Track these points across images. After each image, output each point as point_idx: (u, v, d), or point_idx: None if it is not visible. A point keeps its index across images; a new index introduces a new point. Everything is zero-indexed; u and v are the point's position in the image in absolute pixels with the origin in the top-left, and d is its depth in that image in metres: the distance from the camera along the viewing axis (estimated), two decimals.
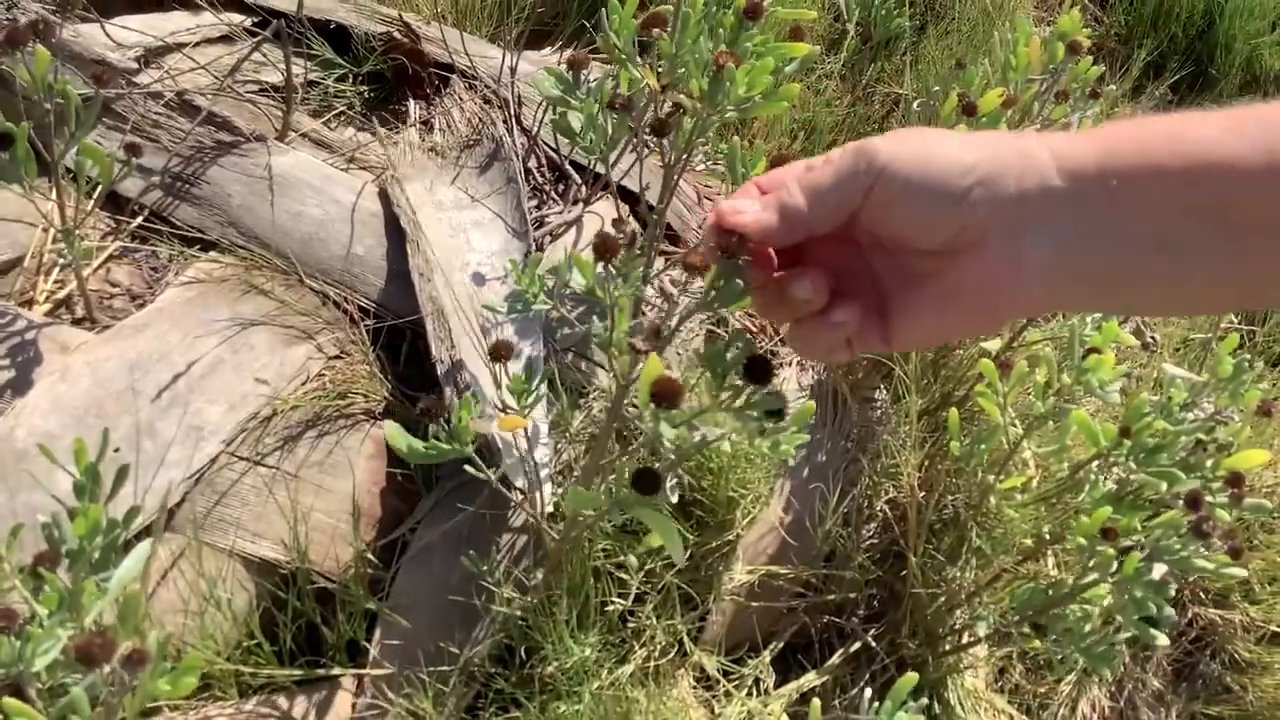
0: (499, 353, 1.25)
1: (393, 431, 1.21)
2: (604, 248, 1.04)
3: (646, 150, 1.46)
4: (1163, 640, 1.38)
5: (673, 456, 1.04)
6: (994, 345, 1.66)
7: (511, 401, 1.28)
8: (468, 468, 1.22)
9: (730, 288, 0.66)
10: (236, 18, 1.82)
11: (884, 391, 1.86)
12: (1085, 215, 0.53)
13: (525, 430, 1.35)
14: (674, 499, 1.29)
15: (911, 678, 1.16)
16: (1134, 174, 0.52)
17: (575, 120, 1.38)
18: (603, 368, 1.64)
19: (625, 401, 1.20)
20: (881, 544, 1.75)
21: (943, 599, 1.62)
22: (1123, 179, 0.52)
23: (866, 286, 0.61)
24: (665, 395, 0.78)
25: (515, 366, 1.53)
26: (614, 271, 1.04)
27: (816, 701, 1.19)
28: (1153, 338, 1.74)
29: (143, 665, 0.84)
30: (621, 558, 1.42)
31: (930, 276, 0.58)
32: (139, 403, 1.38)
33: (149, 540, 1.12)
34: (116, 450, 1.35)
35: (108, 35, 1.65)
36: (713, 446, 1.49)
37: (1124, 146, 0.53)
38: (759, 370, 0.68)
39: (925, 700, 1.67)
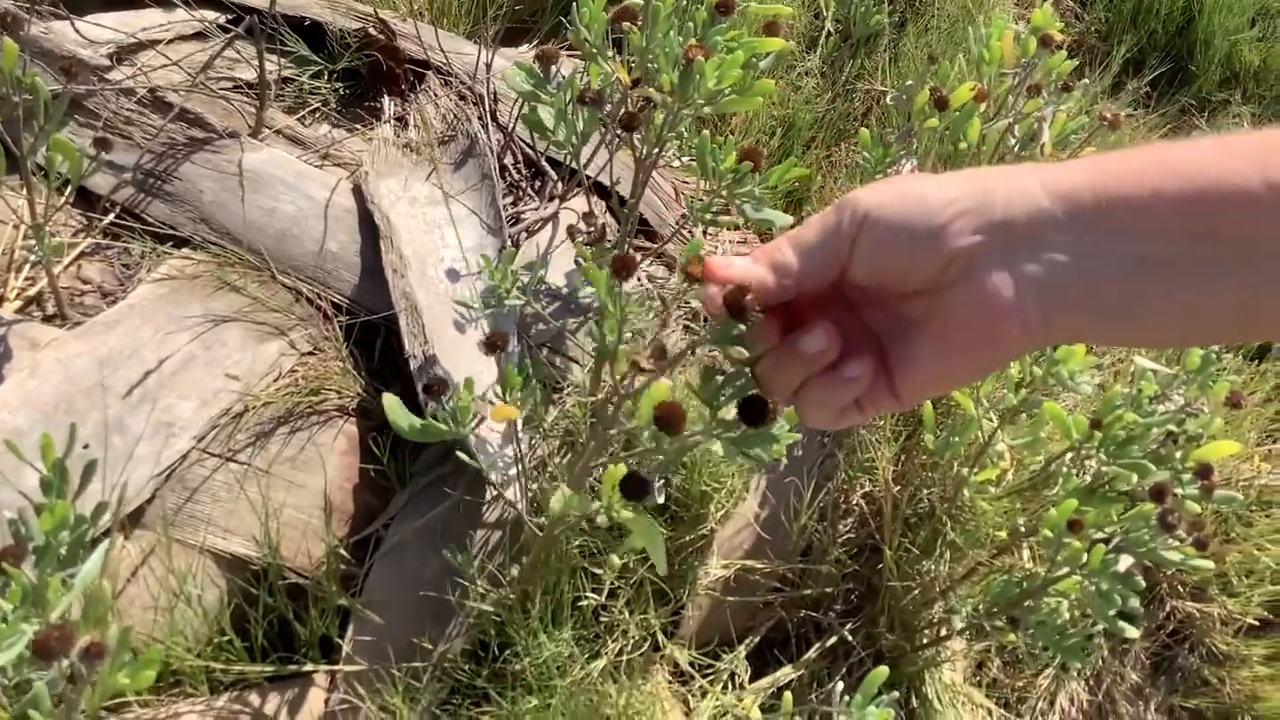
0: (494, 343, 1.25)
1: (392, 405, 1.20)
2: (621, 266, 1.03)
3: (617, 145, 1.46)
4: (1132, 632, 1.38)
5: (660, 458, 1.04)
6: None
7: (500, 394, 1.28)
8: (460, 454, 1.22)
9: (728, 331, 0.64)
10: (210, 14, 1.81)
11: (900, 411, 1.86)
12: (1077, 237, 0.52)
13: (517, 420, 1.35)
14: (660, 500, 1.29)
15: (882, 672, 1.16)
16: (1128, 196, 0.51)
17: (546, 115, 1.38)
18: (577, 363, 1.64)
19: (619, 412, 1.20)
20: (858, 539, 1.75)
21: (918, 593, 1.62)
22: (1116, 200, 0.51)
23: (867, 344, 0.59)
24: (669, 422, 0.78)
25: (481, 367, 1.53)
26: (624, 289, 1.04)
27: (788, 695, 1.20)
28: None
29: (100, 659, 0.84)
30: (597, 554, 1.42)
31: (925, 320, 0.56)
32: (109, 399, 1.37)
33: (115, 536, 1.12)
34: (86, 447, 1.35)
35: (78, 32, 1.64)
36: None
37: (1117, 170, 0.52)
38: (755, 413, 0.66)
39: (902, 694, 1.67)
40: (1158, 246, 0.50)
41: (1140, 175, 0.51)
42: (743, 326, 0.59)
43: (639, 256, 1.78)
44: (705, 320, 0.67)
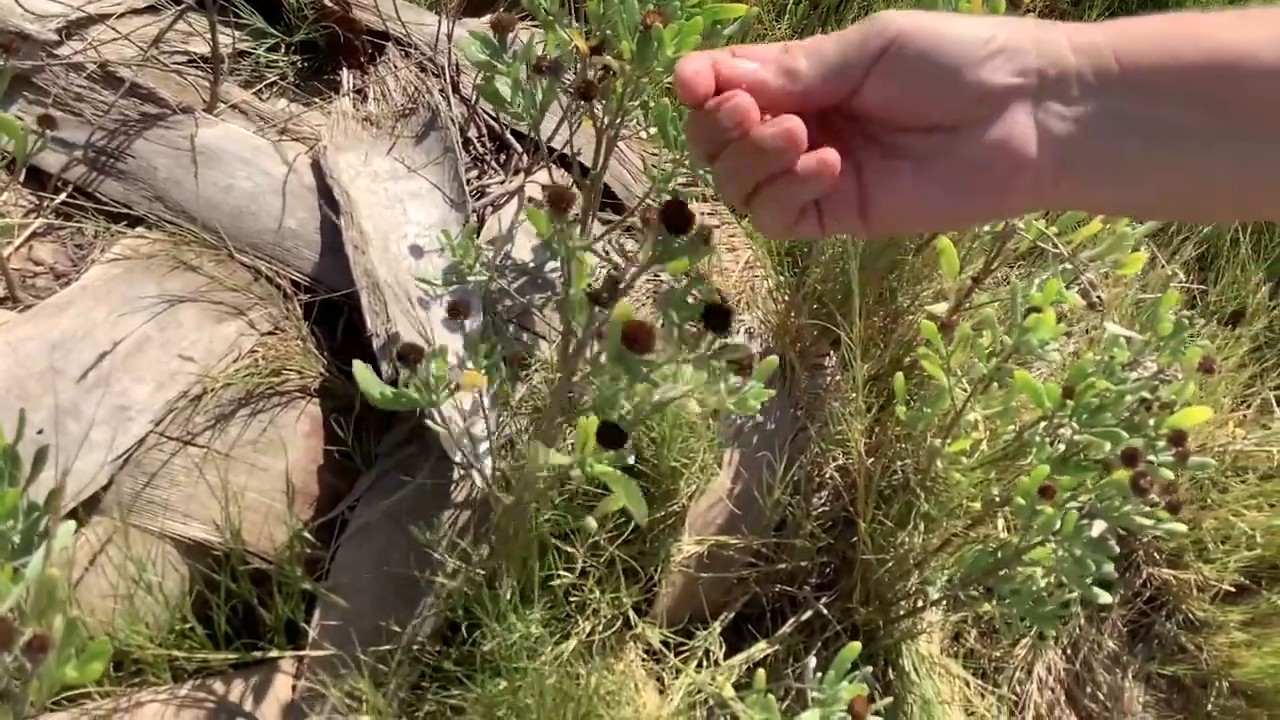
0: (457, 310, 1.22)
1: (363, 374, 1.17)
2: (558, 201, 1.00)
3: (578, 115, 1.42)
4: (1106, 598, 1.37)
5: (628, 415, 1.02)
6: (939, 308, 1.65)
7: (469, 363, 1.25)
8: (429, 422, 1.19)
9: (674, 247, 0.61)
10: None
11: (833, 358, 1.84)
12: (1099, 96, 0.51)
13: (479, 394, 1.32)
14: (631, 459, 1.26)
15: (854, 647, 1.14)
16: (1146, 58, 0.50)
17: (503, 86, 1.34)
18: (544, 339, 1.61)
19: (583, 361, 1.17)
20: (832, 512, 1.74)
21: (893, 565, 1.61)
22: (1136, 63, 0.50)
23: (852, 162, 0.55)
24: (638, 338, 0.74)
25: (456, 340, 1.50)
26: (567, 226, 1.01)
27: (761, 672, 1.18)
28: (1099, 297, 1.71)
29: (45, 652, 0.81)
30: (569, 533, 1.39)
31: (929, 155, 0.53)
32: (62, 383, 1.34)
33: (69, 523, 1.08)
34: (40, 432, 1.31)
35: (24, 7, 1.59)
36: (672, 409, 1.47)
37: (1137, 32, 0.51)
38: (719, 317, 0.64)
39: (879, 666, 1.66)
40: (1171, 112, 0.50)
41: (1159, 40, 0.51)
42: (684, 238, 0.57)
43: (601, 227, 1.75)
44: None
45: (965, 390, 1.51)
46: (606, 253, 1.61)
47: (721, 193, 0.57)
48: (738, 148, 0.53)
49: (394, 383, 1.19)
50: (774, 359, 1.13)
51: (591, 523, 1.31)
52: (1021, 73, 0.51)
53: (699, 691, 1.44)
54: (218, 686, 1.32)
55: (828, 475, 1.73)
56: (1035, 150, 0.51)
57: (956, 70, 0.51)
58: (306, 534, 1.42)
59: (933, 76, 0.52)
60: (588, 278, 1.03)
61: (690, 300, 0.69)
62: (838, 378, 1.81)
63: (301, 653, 1.35)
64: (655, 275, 1.60)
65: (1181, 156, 0.51)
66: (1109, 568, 1.35)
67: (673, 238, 0.69)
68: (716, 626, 1.56)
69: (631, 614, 1.44)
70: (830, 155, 0.52)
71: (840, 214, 0.55)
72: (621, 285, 0.76)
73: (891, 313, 1.81)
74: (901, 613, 1.66)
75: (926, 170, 0.54)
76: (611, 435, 0.90)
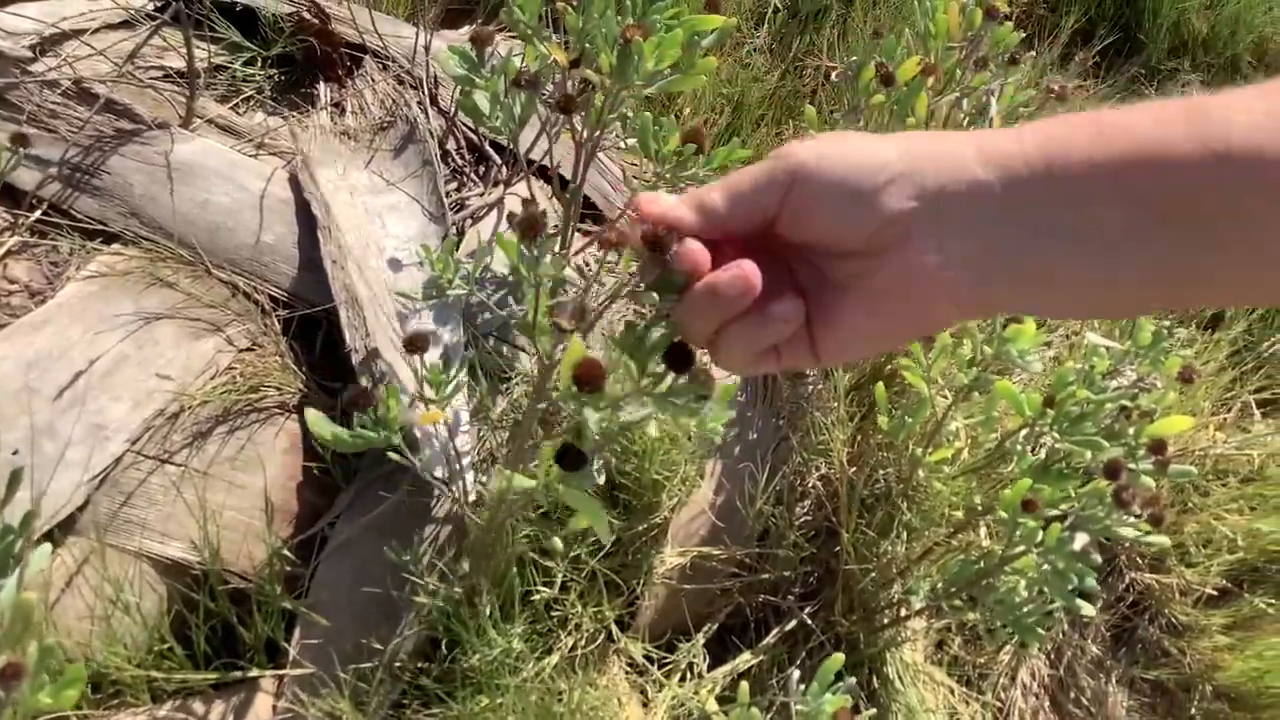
0: (415, 344, 1.21)
1: (315, 419, 1.16)
2: (528, 226, 1.01)
3: (557, 128, 1.42)
4: (1089, 610, 1.38)
5: (598, 438, 1.02)
6: None
7: (430, 393, 1.24)
8: (392, 454, 1.18)
9: (651, 273, 0.61)
10: (137, 1, 1.76)
11: (815, 369, 1.84)
12: (1008, 206, 0.51)
13: (445, 420, 1.31)
14: (600, 480, 1.26)
15: (838, 659, 1.14)
16: (1061, 164, 0.50)
17: (482, 100, 1.34)
18: (525, 352, 1.61)
19: (549, 385, 1.17)
20: (815, 521, 1.74)
21: (876, 574, 1.61)
22: (1048, 168, 0.50)
23: (791, 296, 0.57)
24: (588, 379, 0.74)
25: (434, 354, 1.50)
26: (537, 252, 1.01)
27: (745, 685, 1.17)
28: None
29: (18, 679, 0.80)
30: (545, 543, 1.39)
31: (855, 280, 0.55)
32: (37, 403, 1.32)
33: (45, 546, 1.07)
34: (15, 453, 1.30)
35: None
36: (637, 429, 1.46)
37: (1051, 135, 0.51)
38: (680, 358, 0.64)
39: (864, 675, 1.66)
40: (1090, 210, 0.50)
41: (1071, 141, 0.50)
42: (667, 270, 0.57)
43: (580, 239, 1.74)
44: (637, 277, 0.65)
45: (946, 399, 1.51)
46: (584, 266, 1.61)
47: (683, 333, 0.60)
48: (694, 294, 0.56)
49: (368, 399, 1.18)
50: (733, 385, 1.13)
51: (558, 542, 1.30)
52: (919, 196, 0.52)
53: (683, 705, 1.43)
54: (197, 707, 1.31)
55: (810, 485, 1.73)
56: (945, 270, 0.52)
57: (855, 198, 0.52)
58: (286, 551, 1.41)
59: (835, 206, 0.53)
60: (552, 299, 1.03)
61: (650, 341, 0.68)
62: (819, 387, 1.81)
63: (282, 672, 1.34)
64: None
65: (1100, 255, 0.50)
66: (1091, 580, 1.35)
67: (674, 373, 0.70)
68: (700, 638, 1.56)
69: (614, 628, 1.43)
70: (791, 303, 0.55)
71: (795, 348, 0.57)
72: (589, 315, 0.76)
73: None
74: (885, 621, 1.66)
75: (852, 295, 0.55)
76: (572, 458, 0.91)
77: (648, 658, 1.49)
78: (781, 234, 0.56)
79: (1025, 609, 1.43)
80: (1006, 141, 0.51)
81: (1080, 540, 1.36)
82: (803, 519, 1.71)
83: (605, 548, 1.44)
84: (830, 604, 1.68)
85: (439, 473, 1.37)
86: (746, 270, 0.53)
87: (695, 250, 0.55)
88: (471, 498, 1.38)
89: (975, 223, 0.51)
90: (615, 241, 0.63)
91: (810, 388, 1.81)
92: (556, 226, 1.48)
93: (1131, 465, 1.35)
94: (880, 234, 0.52)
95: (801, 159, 0.53)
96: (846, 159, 0.53)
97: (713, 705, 1.39)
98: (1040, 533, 1.35)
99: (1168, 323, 1.39)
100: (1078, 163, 0.49)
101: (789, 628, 1.65)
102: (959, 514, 1.64)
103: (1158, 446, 1.34)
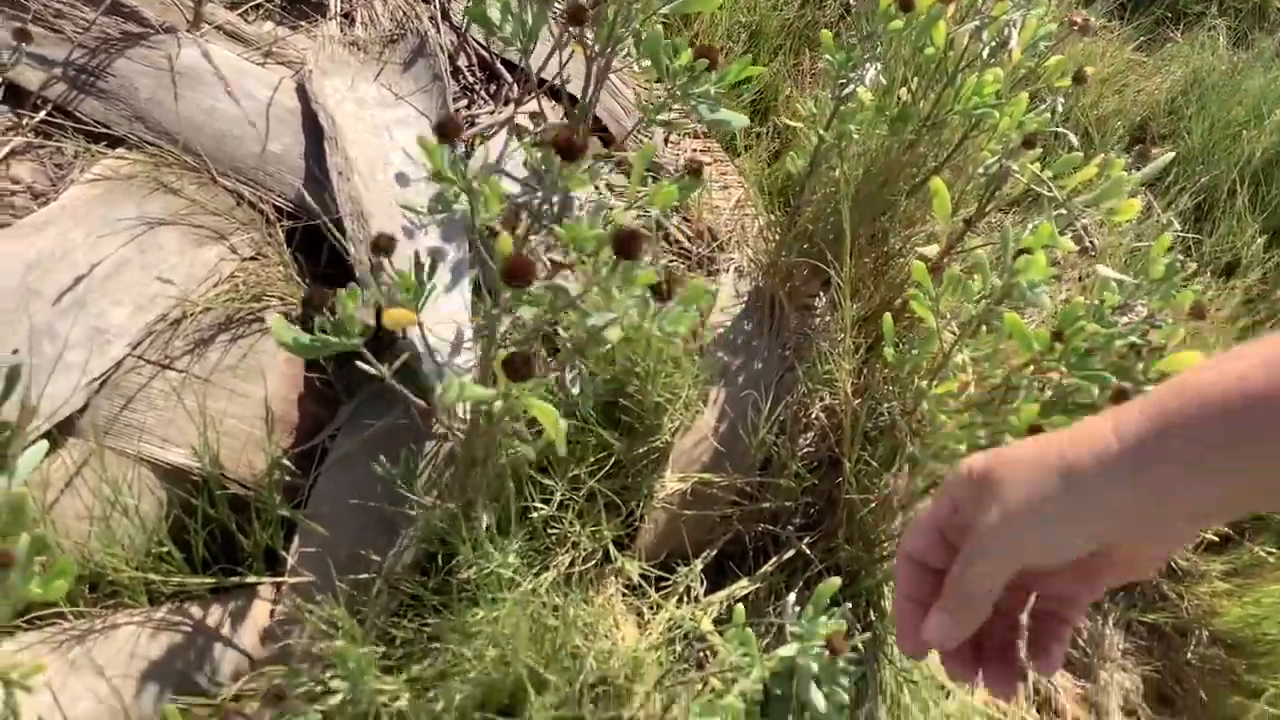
0: (380, 245, 1.19)
1: (277, 325, 1.14)
2: (447, 129, 1.02)
3: (568, 42, 1.39)
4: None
5: (569, 346, 1.01)
6: (931, 250, 1.63)
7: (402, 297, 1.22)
8: (359, 364, 1.16)
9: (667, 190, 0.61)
10: None
11: (822, 299, 1.82)
12: (1167, 474, 0.55)
13: (423, 328, 1.29)
14: (575, 391, 1.25)
15: (834, 583, 1.13)
16: (1187, 423, 0.54)
17: (494, 10, 1.31)
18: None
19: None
20: (817, 453, 1.73)
21: (877, 505, 1.60)
22: (1176, 432, 0.55)
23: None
24: (515, 273, 0.76)
25: (444, 273, 1.48)
26: (459, 154, 1.01)
27: (740, 607, 1.17)
28: (1092, 243, 1.68)
29: (8, 567, 0.80)
30: (548, 466, 1.38)
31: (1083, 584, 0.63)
32: (37, 304, 1.32)
33: (42, 443, 1.07)
34: (15, 352, 1.30)
35: None
36: (638, 349, 1.45)
37: (1165, 405, 0.55)
38: (627, 245, 0.64)
39: (861, 607, 1.66)
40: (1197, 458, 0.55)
41: (1192, 402, 0.55)
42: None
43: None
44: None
45: (954, 333, 1.49)
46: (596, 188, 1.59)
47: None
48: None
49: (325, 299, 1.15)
50: (700, 282, 1.10)
51: (529, 451, 1.28)
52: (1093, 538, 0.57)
53: (678, 626, 1.43)
54: (194, 610, 1.32)
55: (814, 416, 1.72)
56: (1157, 545, 0.62)
57: (1065, 556, 0.58)
58: (286, 461, 1.41)
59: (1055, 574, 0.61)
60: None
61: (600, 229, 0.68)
62: (827, 318, 1.79)
63: (279, 579, 1.35)
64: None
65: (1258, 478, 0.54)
66: None
67: (621, 259, 0.71)
68: (698, 564, 1.56)
69: (611, 548, 1.43)
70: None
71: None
72: (527, 219, 0.77)
73: (883, 254, 1.78)
74: (885, 553, 1.66)
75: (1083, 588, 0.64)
76: (516, 366, 0.92)
77: (645, 578, 1.49)
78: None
79: None
80: (1131, 417, 0.56)
81: None
82: (805, 450, 1.71)
83: (605, 468, 1.44)
84: (830, 534, 1.68)
85: (439, 390, 1.36)
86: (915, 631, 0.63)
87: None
88: (467, 416, 1.37)
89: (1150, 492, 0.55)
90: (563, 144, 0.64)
91: (817, 319, 1.80)
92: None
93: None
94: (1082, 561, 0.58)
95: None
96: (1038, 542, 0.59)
97: (708, 626, 1.39)
98: None
99: (1181, 257, 1.36)
100: (1196, 420, 0.54)
101: (787, 556, 1.65)
102: (962, 448, 1.63)
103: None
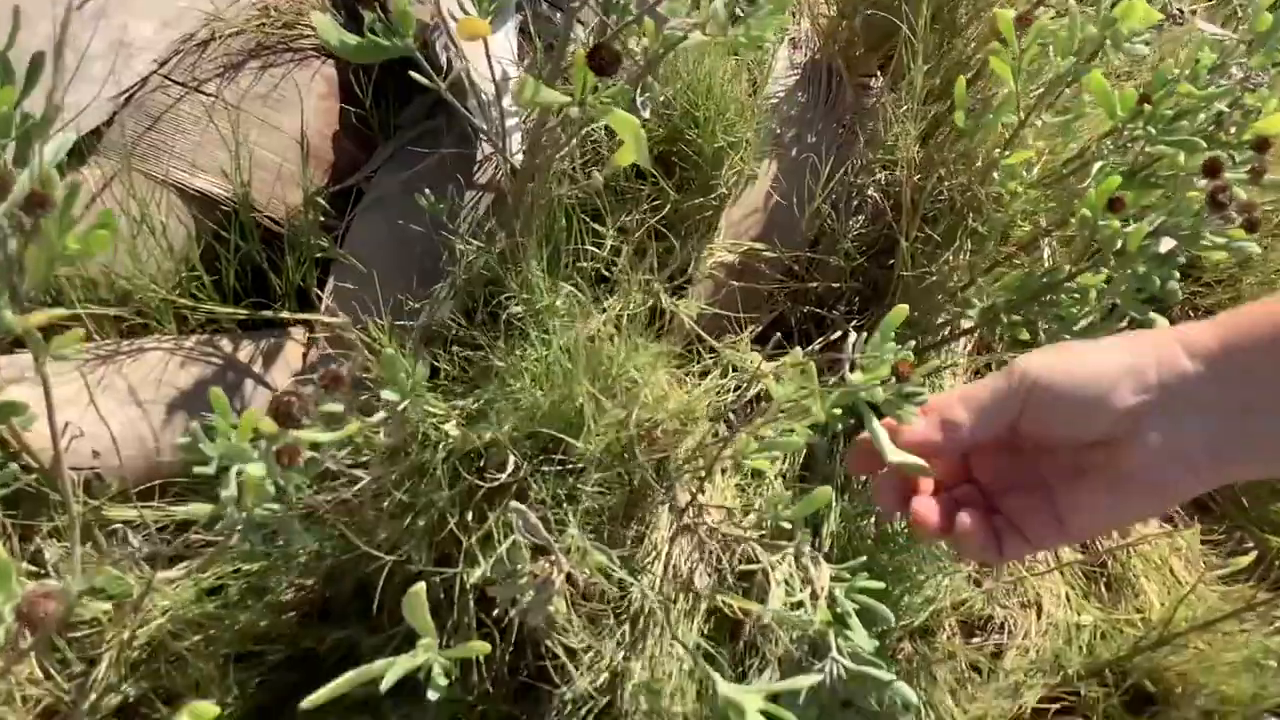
0: None
1: (323, 24, 1.05)
2: None
3: None
4: (1161, 322, 1.30)
5: (640, 62, 0.92)
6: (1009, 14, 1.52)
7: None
8: (413, 74, 1.06)
9: None
10: None
11: (879, 79, 1.72)
12: (1220, 391, 0.59)
13: (489, 48, 1.20)
14: (645, 114, 1.16)
15: (902, 309, 1.06)
16: (1248, 346, 0.59)
17: None
18: (584, 25, 1.49)
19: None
20: (869, 235, 1.65)
21: (932, 284, 1.53)
22: (1240, 351, 0.59)
23: (1032, 486, 0.67)
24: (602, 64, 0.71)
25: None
26: None
27: (797, 348, 1.11)
28: (1179, 10, 1.57)
29: (45, 209, 0.72)
30: (585, 184, 1.28)
31: (1096, 467, 0.64)
32: (58, 9, 1.22)
33: (69, 134, 0.99)
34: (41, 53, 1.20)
35: None
36: (698, 92, 1.36)
37: (1236, 324, 0.60)
38: (605, 62, 0.58)
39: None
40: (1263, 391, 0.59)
41: (1256, 326, 0.60)
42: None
43: None
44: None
45: (1033, 100, 1.40)
46: None
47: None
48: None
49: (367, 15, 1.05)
50: None
51: (598, 177, 1.21)
52: (1145, 389, 0.61)
53: (733, 370, 1.38)
54: (225, 344, 1.26)
55: (869, 195, 1.64)
56: (1181, 454, 0.61)
57: (1089, 404, 0.62)
58: (320, 200, 1.33)
59: (1071, 412, 0.63)
60: None
61: None
62: (884, 100, 1.69)
63: (313, 316, 1.28)
64: None
65: None
66: (1173, 286, 1.27)
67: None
68: (745, 335, 1.49)
69: (663, 297, 1.35)
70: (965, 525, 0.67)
71: (1043, 531, 0.66)
72: None
73: (950, 26, 1.67)
74: (935, 340, 1.60)
75: (1094, 479, 0.64)
76: (603, 58, 0.82)
77: (690, 347, 1.43)
78: (1023, 433, 0.66)
79: (1086, 324, 1.35)
80: (1203, 334, 0.61)
81: (1166, 244, 1.27)
82: (858, 230, 1.63)
83: (658, 218, 1.36)
84: (878, 320, 1.61)
85: (483, 126, 1.27)
86: (922, 508, 0.68)
87: (924, 513, 0.68)
88: (517, 159, 1.29)
89: (1194, 407, 0.60)
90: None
91: (874, 99, 1.70)
92: None
93: (1228, 173, 1.25)
94: (1114, 428, 0.62)
95: (1035, 374, 0.63)
96: (1073, 375, 0.62)
97: (756, 358, 1.34)
98: (1120, 239, 1.26)
99: None
100: (1262, 345, 0.59)
101: (834, 338, 1.59)
102: (1027, 228, 1.55)
103: (1260, 144, 1.24)
